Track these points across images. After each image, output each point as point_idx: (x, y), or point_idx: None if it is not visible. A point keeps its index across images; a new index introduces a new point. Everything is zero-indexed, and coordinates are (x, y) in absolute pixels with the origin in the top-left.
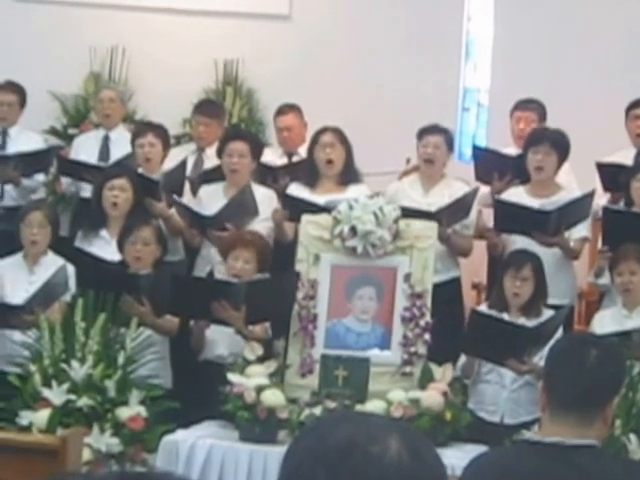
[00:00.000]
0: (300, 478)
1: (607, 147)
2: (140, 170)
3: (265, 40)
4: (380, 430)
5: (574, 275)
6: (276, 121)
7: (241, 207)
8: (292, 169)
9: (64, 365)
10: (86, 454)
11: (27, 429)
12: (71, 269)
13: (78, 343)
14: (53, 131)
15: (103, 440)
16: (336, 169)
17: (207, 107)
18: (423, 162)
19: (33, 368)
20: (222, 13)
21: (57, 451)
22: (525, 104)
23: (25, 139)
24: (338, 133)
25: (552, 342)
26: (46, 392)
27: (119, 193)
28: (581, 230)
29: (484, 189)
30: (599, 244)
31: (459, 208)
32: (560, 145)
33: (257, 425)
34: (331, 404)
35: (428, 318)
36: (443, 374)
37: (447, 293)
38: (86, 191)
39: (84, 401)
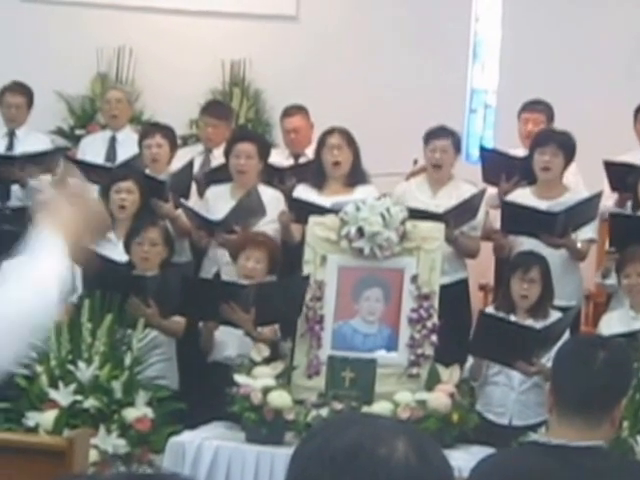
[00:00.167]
0: None
1: (614, 148)
2: (147, 171)
3: (272, 41)
4: (387, 432)
5: (581, 277)
6: (283, 123)
7: (248, 210)
8: (299, 170)
9: (71, 366)
10: (93, 455)
11: (34, 430)
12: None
13: (85, 344)
14: (60, 132)
15: (110, 441)
16: (343, 171)
17: (215, 108)
18: (431, 167)
19: (40, 369)
20: (229, 14)
21: (64, 452)
22: (533, 105)
23: (32, 140)
24: (345, 134)
25: (560, 344)
26: (53, 393)
27: (126, 196)
28: (588, 232)
29: (491, 190)
30: (606, 245)
31: (466, 209)
32: (566, 146)
33: (264, 426)
34: (338, 405)
35: (435, 319)
36: (450, 376)
37: (454, 294)
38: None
39: (91, 402)
